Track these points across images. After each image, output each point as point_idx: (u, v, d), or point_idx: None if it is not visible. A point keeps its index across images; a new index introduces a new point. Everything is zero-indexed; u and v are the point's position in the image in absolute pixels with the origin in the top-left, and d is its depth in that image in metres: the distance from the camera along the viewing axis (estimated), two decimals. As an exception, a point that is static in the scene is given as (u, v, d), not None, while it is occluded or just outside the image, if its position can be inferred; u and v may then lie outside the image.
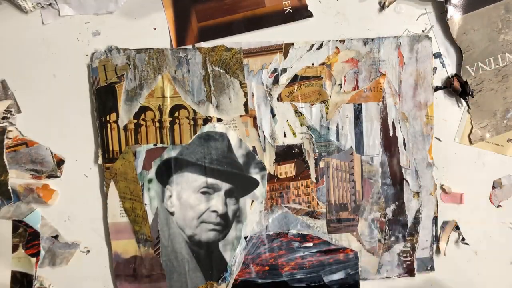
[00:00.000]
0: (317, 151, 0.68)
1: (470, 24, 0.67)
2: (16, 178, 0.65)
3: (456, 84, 0.66)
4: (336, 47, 0.66)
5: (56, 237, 0.67)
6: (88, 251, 0.68)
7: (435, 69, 0.68)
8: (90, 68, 0.64)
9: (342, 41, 0.66)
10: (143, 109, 0.65)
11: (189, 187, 0.66)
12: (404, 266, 0.71)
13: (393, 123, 0.68)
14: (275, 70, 0.66)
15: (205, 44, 0.65)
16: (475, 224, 0.72)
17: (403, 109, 0.68)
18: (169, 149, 0.66)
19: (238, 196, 0.67)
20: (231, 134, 0.67)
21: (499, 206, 0.72)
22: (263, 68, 0.66)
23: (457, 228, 0.71)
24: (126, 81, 0.65)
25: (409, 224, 0.70)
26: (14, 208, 0.66)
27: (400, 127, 0.68)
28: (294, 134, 0.68)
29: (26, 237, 0.65)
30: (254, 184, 0.67)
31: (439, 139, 0.69)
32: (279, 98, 0.67)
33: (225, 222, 0.68)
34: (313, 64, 0.67)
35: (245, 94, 0.66)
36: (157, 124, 0.66)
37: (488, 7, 0.67)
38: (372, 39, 0.67)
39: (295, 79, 0.67)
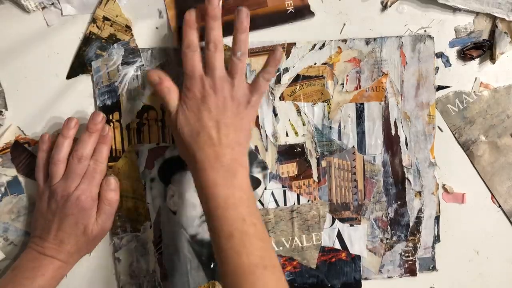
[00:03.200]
0: (319, 150, 0.68)
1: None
2: (19, 177, 0.65)
3: (475, 52, 0.66)
4: (338, 47, 0.66)
5: None
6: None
7: (437, 68, 0.68)
8: (93, 67, 0.64)
9: (344, 40, 0.66)
10: (146, 108, 0.65)
11: (191, 186, 0.66)
12: (406, 266, 0.71)
13: (395, 122, 0.68)
14: (278, 69, 0.66)
15: (207, 44, 0.65)
16: (477, 224, 0.72)
17: (405, 109, 0.68)
18: (171, 148, 0.66)
19: (240, 195, 0.67)
20: (234, 133, 0.67)
21: (500, 206, 0.72)
22: (265, 67, 0.66)
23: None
24: (129, 80, 0.65)
25: (411, 223, 0.70)
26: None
27: (402, 126, 0.68)
28: (296, 133, 0.68)
29: None
30: (257, 183, 0.67)
31: (440, 129, 0.69)
32: (281, 98, 0.67)
33: (227, 222, 0.67)
34: (315, 64, 0.67)
35: (248, 94, 0.66)
36: (160, 124, 0.66)
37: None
38: (374, 39, 0.67)
39: (297, 78, 0.67)
